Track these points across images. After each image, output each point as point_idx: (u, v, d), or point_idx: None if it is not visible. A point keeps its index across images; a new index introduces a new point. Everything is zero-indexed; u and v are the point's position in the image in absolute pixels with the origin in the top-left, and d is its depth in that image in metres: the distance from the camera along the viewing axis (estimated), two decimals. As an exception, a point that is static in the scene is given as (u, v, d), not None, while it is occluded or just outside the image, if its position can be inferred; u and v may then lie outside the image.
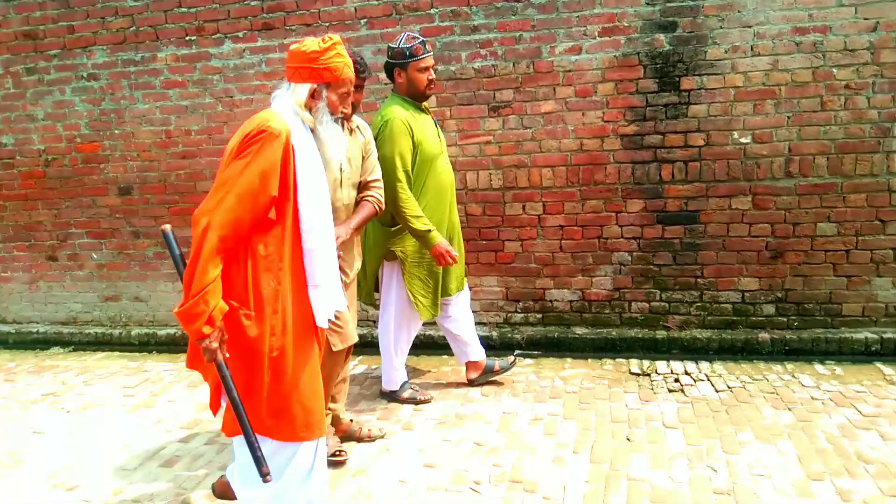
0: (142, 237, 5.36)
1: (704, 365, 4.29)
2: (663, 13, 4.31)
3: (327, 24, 4.71)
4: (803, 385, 3.90)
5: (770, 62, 4.25)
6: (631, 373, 4.24)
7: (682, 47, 4.33)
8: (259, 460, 2.27)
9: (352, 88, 2.51)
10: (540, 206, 4.67)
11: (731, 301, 4.52)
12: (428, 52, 3.63)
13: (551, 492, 2.92)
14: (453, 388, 4.15)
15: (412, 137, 3.55)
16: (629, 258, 4.61)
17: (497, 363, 4.14)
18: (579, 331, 4.70)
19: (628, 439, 3.34)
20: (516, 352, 4.53)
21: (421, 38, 3.63)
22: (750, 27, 4.23)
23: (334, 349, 3.09)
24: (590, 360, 4.49)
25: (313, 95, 2.36)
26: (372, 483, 3.08)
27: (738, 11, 4.23)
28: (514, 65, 4.53)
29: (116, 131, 5.25)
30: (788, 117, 4.27)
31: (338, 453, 3.27)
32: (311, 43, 2.36)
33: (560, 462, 3.16)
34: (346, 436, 3.45)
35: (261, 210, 2.25)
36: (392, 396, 3.99)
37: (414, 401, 3.94)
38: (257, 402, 2.32)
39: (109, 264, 5.49)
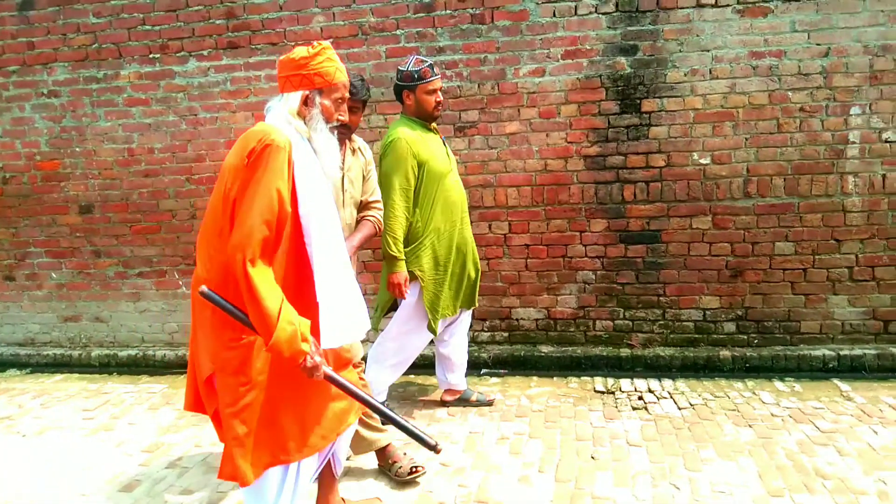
0: (103, 256, 5.27)
1: (667, 382, 4.34)
2: (624, 37, 4.40)
3: (293, 44, 4.72)
4: (763, 402, 3.97)
5: (728, 85, 4.36)
6: (596, 391, 4.27)
7: (643, 70, 4.42)
8: (421, 437, 2.31)
9: (346, 94, 2.44)
10: (506, 225, 4.71)
11: (693, 319, 4.60)
12: (436, 74, 3.65)
13: (516, 512, 2.92)
14: (420, 408, 4.14)
15: (416, 157, 3.57)
16: (593, 277, 4.66)
17: (475, 395, 4.13)
18: (545, 349, 4.73)
19: (593, 457, 3.37)
20: (483, 371, 4.54)
21: (429, 62, 3.65)
22: (708, 51, 4.35)
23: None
24: (555, 379, 4.52)
25: (306, 103, 2.31)
26: None
27: (697, 36, 4.34)
28: (479, 86, 4.58)
29: (77, 149, 5.17)
30: (746, 139, 4.39)
31: (414, 469, 3.21)
32: (299, 50, 2.34)
33: (526, 481, 3.17)
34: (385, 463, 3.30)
35: (282, 223, 2.20)
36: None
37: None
38: (232, 434, 2.25)
39: (69, 284, 5.38)
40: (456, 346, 4.00)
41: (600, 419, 3.83)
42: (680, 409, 3.92)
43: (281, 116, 2.30)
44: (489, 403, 4.11)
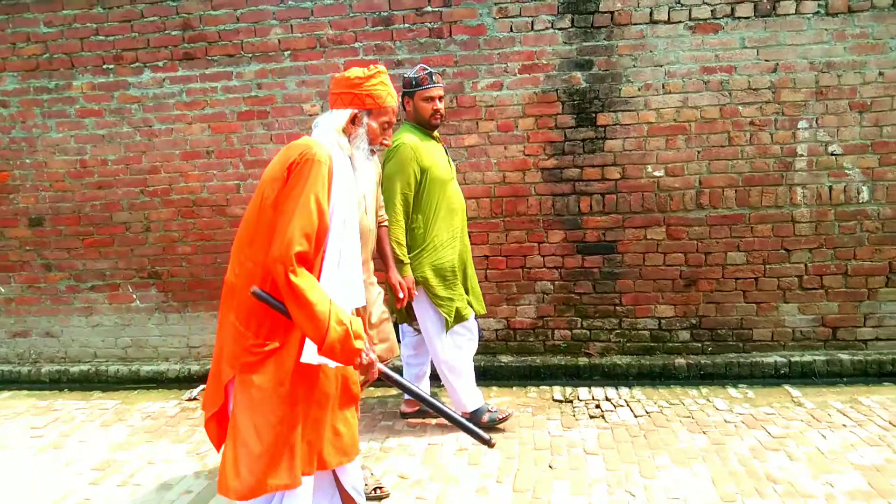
0: (54, 270, 5.15)
1: (624, 390, 4.40)
2: (580, 52, 4.48)
3: (250, 55, 4.70)
4: (717, 408, 4.05)
5: (680, 100, 4.47)
6: (554, 400, 4.31)
7: (598, 85, 4.50)
8: (477, 433, 2.34)
9: (394, 120, 2.50)
10: (465, 236, 4.73)
11: (649, 328, 4.67)
12: (434, 82, 3.65)
13: (474, 523, 2.92)
14: (379, 419, 4.12)
15: (420, 163, 3.58)
16: (551, 287, 4.71)
17: (486, 415, 4.02)
18: (504, 359, 4.76)
19: (550, 466, 3.39)
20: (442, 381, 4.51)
21: (429, 70, 3.66)
22: (661, 66, 4.45)
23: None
24: (515, 388, 4.54)
25: (353, 121, 2.38)
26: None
27: (650, 51, 4.44)
28: (437, 98, 4.61)
29: (28, 160, 5.05)
30: (698, 152, 4.49)
31: (378, 489, 3.17)
32: (355, 70, 2.41)
33: (484, 492, 3.17)
34: None
35: (321, 236, 2.21)
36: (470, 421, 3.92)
37: (494, 423, 3.84)
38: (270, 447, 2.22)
39: (18, 298, 5.23)
40: (424, 357, 4.03)
41: (558, 428, 3.86)
42: (636, 416, 3.97)
43: (326, 132, 2.35)
44: (504, 419, 3.96)
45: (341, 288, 2.30)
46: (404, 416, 4.11)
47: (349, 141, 2.38)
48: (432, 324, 3.75)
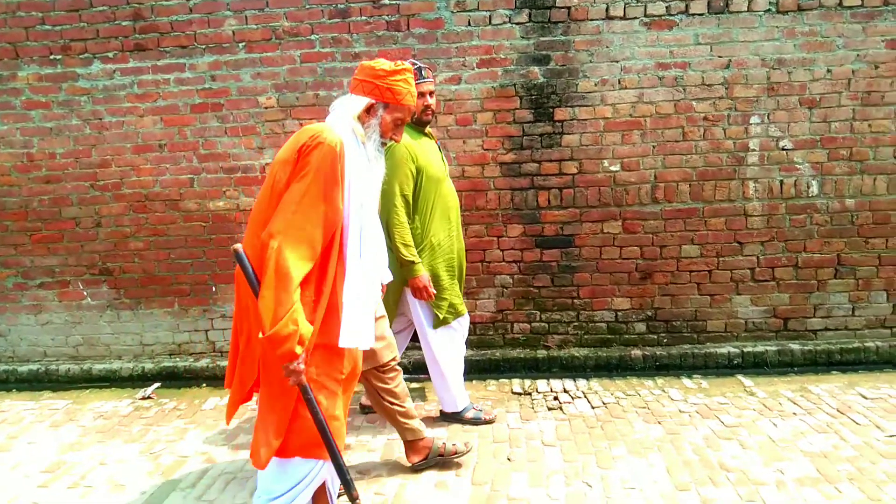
0: (0, 267, 4.98)
1: (582, 382, 4.45)
2: (537, 47, 4.50)
3: (204, 47, 4.60)
4: (672, 399, 4.12)
5: (636, 95, 4.51)
6: (513, 392, 4.33)
7: (556, 80, 4.53)
8: (349, 483, 2.28)
9: (408, 119, 2.53)
10: (424, 231, 4.72)
11: (606, 320, 4.73)
12: (425, 77, 3.55)
13: (433, 517, 2.93)
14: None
15: (415, 162, 3.51)
16: (511, 281, 4.73)
17: (471, 412, 4.01)
18: (465, 353, 4.75)
19: (509, 459, 3.41)
20: (405, 376, 4.46)
21: (419, 65, 3.58)
22: (617, 62, 4.49)
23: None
24: (475, 382, 4.55)
25: (369, 111, 2.41)
26: (250, 520, 2.98)
27: (606, 47, 4.48)
28: (395, 92, 4.58)
29: (-30, 154, 4.88)
30: (653, 147, 4.55)
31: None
32: (384, 62, 2.45)
33: (443, 486, 3.18)
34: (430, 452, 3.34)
35: (331, 224, 2.22)
36: (454, 417, 3.89)
37: (479, 421, 3.85)
38: (282, 419, 2.28)
39: (-38, 297, 5.06)
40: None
41: (517, 420, 3.89)
42: (593, 408, 4.02)
43: (342, 117, 2.38)
44: (490, 421, 3.95)
45: (366, 267, 2.36)
46: (364, 410, 4.09)
47: (363, 129, 2.41)
48: (426, 319, 3.71)
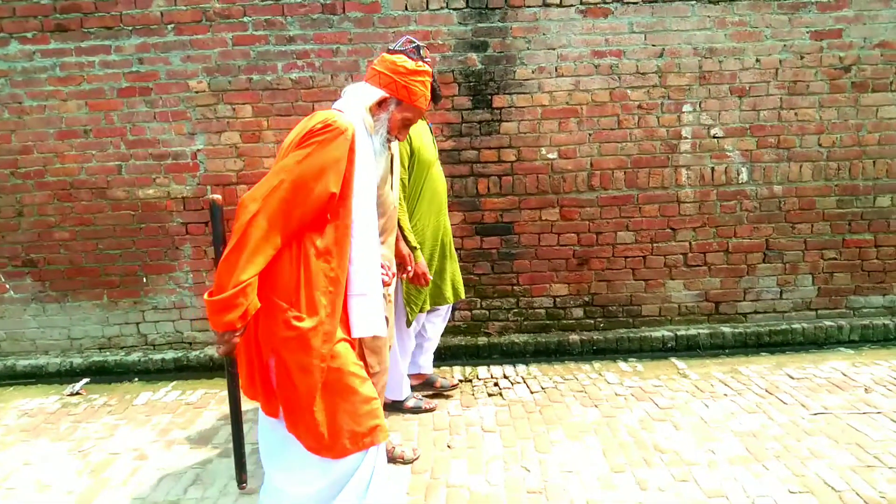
0: (-88, 259, 4.71)
1: (521, 368, 4.49)
2: (475, 33, 4.48)
3: (130, 28, 4.42)
4: (609, 382, 4.19)
5: (572, 83, 4.55)
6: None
7: (494, 67, 4.52)
8: (242, 466, 2.25)
9: (415, 122, 2.49)
10: (362, 218, 4.67)
11: (545, 306, 4.78)
12: (423, 57, 3.45)
13: (372, 507, 2.90)
14: (275, 407, 4.02)
15: (410, 144, 3.43)
16: (450, 269, 4.73)
17: (439, 380, 4.07)
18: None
19: (449, 446, 3.41)
20: (456, 380, 4.36)
21: (417, 43, 3.46)
22: (554, 49, 4.51)
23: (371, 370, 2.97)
24: (415, 371, 4.54)
25: (380, 104, 2.37)
26: (183, 516, 2.91)
27: (543, 34, 4.49)
28: (332, 77, 4.50)
29: None
30: (590, 134, 4.60)
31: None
32: (406, 59, 2.40)
33: (393, 475, 3.15)
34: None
35: (315, 205, 2.13)
36: (396, 406, 3.83)
37: (419, 410, 3.82)
38: (309, 417, 2.17)
39: None
40: (432, 327, 3.93)
41: (457, 407, 3.90)
42: (532, 392, 4.06)
43: (355, 106, 2.32)
44: (453, 387, 4.09)
45: (373, 255, 2.33)
46: (412, 389, 4.03)
47: (373, 121, 2.37)
48: (402, 312, 3.67)
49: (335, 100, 4.43)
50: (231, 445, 3.51)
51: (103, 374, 4.64)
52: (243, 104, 4.52)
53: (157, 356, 4.67)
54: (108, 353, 4.74)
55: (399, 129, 2.46)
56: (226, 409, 4.01)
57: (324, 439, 2.18)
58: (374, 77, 2.41)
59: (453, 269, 3.88)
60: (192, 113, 4.54)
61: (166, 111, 4.53)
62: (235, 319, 2.03)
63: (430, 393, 4.05)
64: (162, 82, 4.51)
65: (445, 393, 4.06)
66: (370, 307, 2.33)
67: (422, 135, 3.57)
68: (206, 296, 2.05)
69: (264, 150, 4.56)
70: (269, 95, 4.52)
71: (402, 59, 2.40)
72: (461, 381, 4.31)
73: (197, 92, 4.51)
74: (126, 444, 3.62)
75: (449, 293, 3.83)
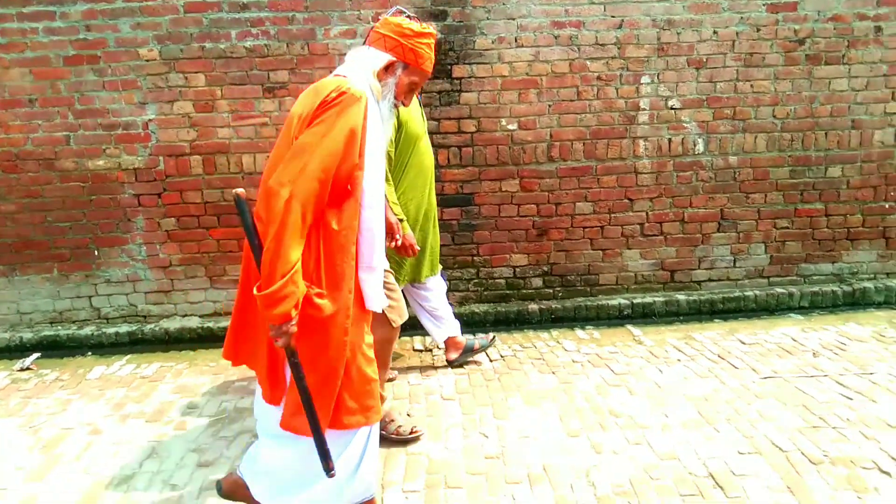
0: None
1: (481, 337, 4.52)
2: (434, 2, 4.43)
3: (76, -8, 4.27)
4: (566, 349, 4.25)
5: (532, 53, 4.53)
6: (415, 349, 4.36)
7: (453, 36, 4.48)
8: (326, 454, 2.15)
9: (422, 85, 2.44)
10: (321, 190, 4.62)
11: (504, 276, 4.81)
12: None
13: (330, 475, 2.91)
14: (233, 381, 3.99)
15: (398, 116, 3.34)
16: (410, 240, 4.71)
17: (477, 342, 4.05)
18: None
19: (409, 415, 3.42)
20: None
21: (407, 13, 3.35)
22: (513, 20, 4.48)
23: (394, 325, 3.00)
24: (375, 342, 4.54)
25: (387, 69, 2.31)
26: (137, 491, 2.87)
27: (503, 4, 4.46)
28: (287, 45, 4.41)
29: None
30: (549, 106, 4.60)
31: (414, 430, 3.19)
32: (409, 21, 2.35)
33: (341, 445, 3.16)
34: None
35: (343, 179, 2.10)
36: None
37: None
38: (329, 391, 2.16)
39: None
40: (437, 298, 3.88)
41: (417, 377, 3.91)
42: (491, 361, 4.10)
43: (361, 70, 2.25)
44: (492, 341, 4.11)
45: (380, 227, 2.29)
46: (451, 364, 4.01)
47: (380, 86, 2.30)
48: None
49: (291, 69, 4.43)
50: (186, 419, 3.49)
51: (55, 349, 4.53)
52: (196, 73, 4.41)
53: (111, 330, 4.58)
54: (59, 328, 4.64)
55: (405, 94, 2.41)
56: (182, 381, 3.97)
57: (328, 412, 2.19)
58: (378, 40, 2.33)
59: (433, 244, 3.83)
60: (143, 82, 4.42)
61: (116, 80, 4.40)
62: (290, 309, 1.99)
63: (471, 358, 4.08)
64: (111, 50, 4.37)
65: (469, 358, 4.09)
66: (379, 280, 2.32)
67: (410, 107, 3.47)
68: (255, 291, 1.99)
69: (218, 119, 4.46)
70: (223, 64, 4.42)
71: (407, 22, 2.35)
72: (421, 350, 4.32)
73: (147, 60, 4.38)
74: (79, 418, 3.56)
75: (426, 271, 3.78)
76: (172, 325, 4.62)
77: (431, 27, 2.42)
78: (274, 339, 2.06)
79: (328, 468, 2.16)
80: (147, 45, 4.37)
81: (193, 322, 4.64)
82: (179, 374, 4.09)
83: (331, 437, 2.21)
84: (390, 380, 3.86)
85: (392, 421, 3.19)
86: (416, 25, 2.36)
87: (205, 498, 2.79)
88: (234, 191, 2.03)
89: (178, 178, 4.54)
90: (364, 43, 2.43)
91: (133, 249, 4.63)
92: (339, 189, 2.12)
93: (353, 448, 2.30)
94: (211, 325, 4.58)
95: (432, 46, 2.41)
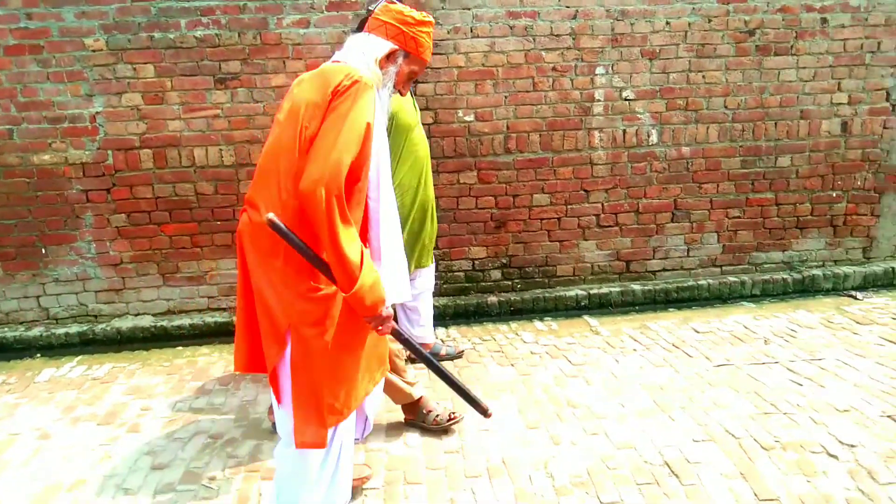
0: None
1: (441, 331, 4.52)
2: (388, -9, 4.37)
3: (15, -20, 4.10)
4: (525, 341, 4.28)
5: (488, 44, 4.52)
6: (373, 345, 4.33)
7: (402, 25, 4.43)
8: (476, 400, 2.36)
9: (420, 74, 2.43)
10: (276, 183, 4.55)
11: (464, 269, 4.81)
12: None
13: (289, 475, 2.88)
14: (188, 380, 3.92)
15: (388, 106, 3.24)
16: (368, 233, 4.68)
17: (444, 349, 4.02)
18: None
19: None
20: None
21: (398, 3, 3.25)
22: (469, 10, 4.46)
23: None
24: (334, 337, 4.50)
25: (389, 57, 2.29)
26: (89, 496, 2.80)
27: (458, -7, 4.43)
28: (239, 35, 4.31)
29: None
30: (506, 97, 4.60)
31: (452, 416, 3.21)
32: (410, 9, 2.34)
33: (299, 443, 3.13)
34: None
35: (356, 169, 2.09)
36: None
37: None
38: (318, 393, 2.17)
39: None
40: (422, 297, 3.83)
41: (376, 373, 3.89)
42: (452, 359, 4.09)
43: (364, 59, 2.23)
44: (459, 355, 4.05)
45: (392, 216, 2.28)
46: (411, 360, 3.89)
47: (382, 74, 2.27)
48: None
49: (243, 59, 4.34)
50: (139, 421, 3.42)
51: (1, 352, 4.38)
52: (144, 64, 4.28)
53: (61, 330, 4.45)
54: (6, 329, 4.49)
55: (404, 83, 2.40)
56: (135, 382, 3.89)
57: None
58: (379, 28, 2.31)
59: (426, 237, 3.79)
60: (90, 73, 4.28)
61: (61, 71, 4.25)
62: (379, 295, 2.05)
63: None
64: (54, 40, 4.21)
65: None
66: (398, 273, 2.30)
67: (400, 97, 3.44)
68: (345, 294, 2.04)
69: (168, 111, 4.35)
70: (173, 54, 4.30)
71: (407, 10, 2.33)
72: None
73: (94, 51, 4.24)
74: (28, 423, 3.46)
75: (412, 263, 3.72)
76: (125, 324, 4.52)
77: (431, 19, 2.42)
78: (377, 329, 2.15)
79: (484, 410, 2.37)
80: (93, 35, 4.23)
81: (146, 321, 4.55)
82: (132, 375, 4.01)
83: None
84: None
85: (430, 412, 3.19)
86: (417, 14, 2.36)
87: (159, 501, 2.74)
88: (266, 217, 2.01)
89: (127, 173, 4.42)
90: (361, 30, 2.40)
91: (82, 247, 4.50)
92: (350, 180, 2.11)
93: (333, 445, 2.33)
94: (165, 323, 4.49)
95: (431, 35, 2.42)
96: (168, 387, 3.81)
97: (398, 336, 2.21)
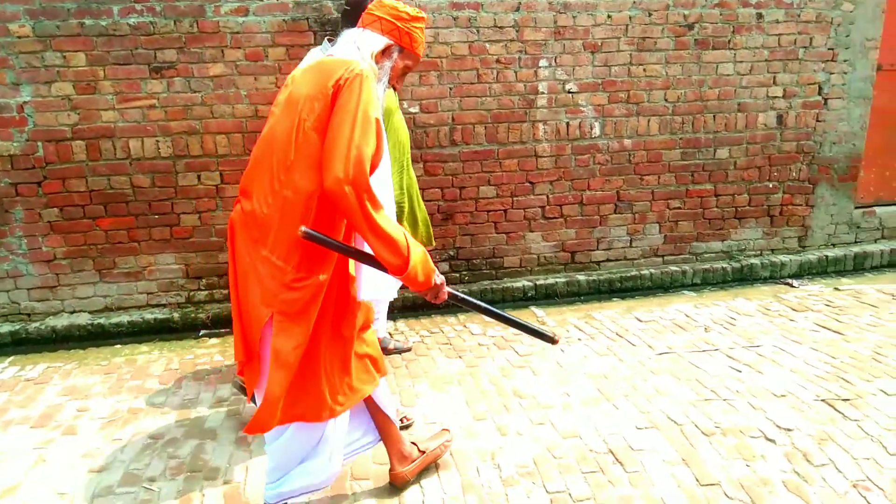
0: None
1: (389, 324, 4.48)
2: (331, -20, 4.31)
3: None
4: (472, 333, 4.29)
5: (432, 35, 4.49)
6: (319, 340, 4.28)
7: (352, 14, 4.36)
8: (540, 332, 2.40)
9: (413, 69, 2.45)
10: (217, 175, 4.44)
11: (410, 262, 4.78)
12: None
13: (232, 476, 2.82)
14: (126, 380, 3.80)
15: None
16: (313, 226, 4.61)
17: (392, 343, 3.98)
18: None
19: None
20: (201, 332, 4.23)
21: None
22: (412, 0, 4.42)
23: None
24: (279, 332, 4.43)
25: (384, 52, 2.27)
26: (22, 502, 2.69)
27: (402, -16, 4.38)
28: (175, 23, 4.18)
29: None
30: (450, 88, 4.58)
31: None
32: (404, 5, 2.32)
33: (243, 443, 3.07)
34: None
35: (377, 161, 2.10)
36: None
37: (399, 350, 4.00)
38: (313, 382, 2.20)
39: None
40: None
41: (322, 368, 3.85)
42: (400, 353, 4.08)
43: (359, 53, 2.21)
44: (408, 349, 4.03)
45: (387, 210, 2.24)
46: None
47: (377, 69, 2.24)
48: None
49: (180, 48, 4.22)
50: (76, 423, 3.30)
51: (-74, 353, 4.18)
52: (75, 52, 4.11)
53: (6, 328, 4.26)
54: (-71, 330, 4.28)
55: (398, 78, 2.38)
56: (71, 382, 3.75)
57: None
58: (374, 23, 2.28)
59: (423, 218, 3.79)
60: (16, 61, 4.08)
61: (-16, 58, 4.06)
62: (429, 270, 2.12)
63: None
64: (-24, 25, 4.02)
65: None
66: (371, 271, 2.30)
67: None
68: (400, 280, 2.10)
69: (101, 101, 4.19)
70: (105, 42, 4.14)
71: (402, 5, 2.31)
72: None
73: (20, 37, 4.05)
74: (-45, 428, 3.30)
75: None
76: (60, 322, 4.35)
77: (424, 14, 2.40)
78: (434, 299, 2.21)
79: (551, 338, 2.40)
80: (18, 21, 4.03)
81: (83, 319, 4.39)
82: (68, 375, 3.86)
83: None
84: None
85: None
86: (410, 9, 2.34)
87: (97, 507, 2.65)
88: (300, 230, 1.99)
89: (59, 166, 4.24)
90: (346, 24, 2.39)
91: (12, 243, 4.30)
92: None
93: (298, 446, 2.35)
94: (102, 321, 4.34)
95: (424, 30, 2.41)
96: (106, 387, 3.69)
97: (456, 298, 2.27)
